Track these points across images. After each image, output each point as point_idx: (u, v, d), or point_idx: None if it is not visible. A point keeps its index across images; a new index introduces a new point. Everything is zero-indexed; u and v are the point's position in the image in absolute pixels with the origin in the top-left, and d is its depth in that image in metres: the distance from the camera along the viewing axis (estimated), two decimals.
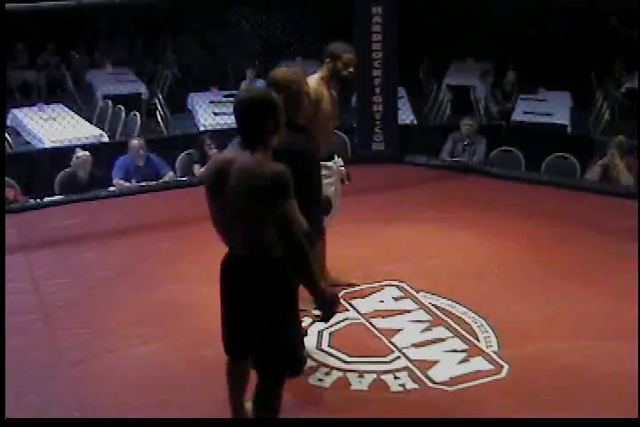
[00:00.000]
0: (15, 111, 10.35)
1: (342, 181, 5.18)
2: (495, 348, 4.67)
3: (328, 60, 4.87)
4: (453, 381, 4.36)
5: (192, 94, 11.35)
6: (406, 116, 9.84)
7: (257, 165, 3.20)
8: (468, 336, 4.80)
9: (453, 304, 5.19)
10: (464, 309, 5.13)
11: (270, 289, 3.34)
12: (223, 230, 3.38)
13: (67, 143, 8.86)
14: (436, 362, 4.54)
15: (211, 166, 3.42)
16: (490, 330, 4.86)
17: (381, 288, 5.45)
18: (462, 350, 4.66)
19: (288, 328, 3.44)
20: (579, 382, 4.34)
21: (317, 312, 4.84)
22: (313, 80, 4.75)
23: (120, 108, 10.45)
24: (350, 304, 5.23)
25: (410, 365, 4.51)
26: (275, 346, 3.44)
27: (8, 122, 10.25)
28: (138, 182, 7.92)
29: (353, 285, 5.46)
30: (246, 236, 3.31)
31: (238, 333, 3.51)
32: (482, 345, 4.70)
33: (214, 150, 7.78)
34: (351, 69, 4.88)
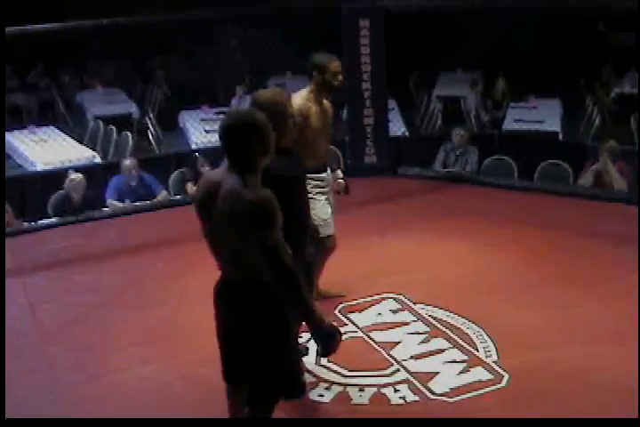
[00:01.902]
0: (6, 134, 10.32)
1: (339, 193, 5.18)
2: (494, 357, 4.66)
3: (316, 72, 4.80)
4: (454, 392, 4.35)
5: (183, 112, 11.35)
6: (397, 127, 9.84)
7: (242, 189, 3.09)
8: (467, 347, 4.79)
9: (451, 315, 5.19)
10: (462, 319, 5.12)
11: (257, 313, 3.24)
12: (213, 252, 3.32)
13: (59, 165, 8.86)
14: (435, 374, 4.53)
15: (200, 187, 3.34)
16: (488, 339, 4.85)
17: (379, 301, 5.44)
18: (462, 361, 4.65)
19: (278, 354, 3.32)
20: (579, 387, 4.33)
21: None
22: (300, 96, 4.74)
23: (111, 129, 10.46)
24: (348, 318, 5.22)
25: (410, 377, 4.50)
26: (263, 374, 3.34)
27: None
28: (132, 202, 7.91)
29: (343, 296, 5.46)
30: (232, 258, 3.24)
31: (229, 358, 3.43)
32: (481, 355, 4.70)
33: (207, 168, 7.77)
34: (340, 78, 4.85)
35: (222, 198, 3.14)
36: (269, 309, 3.22)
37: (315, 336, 3.20)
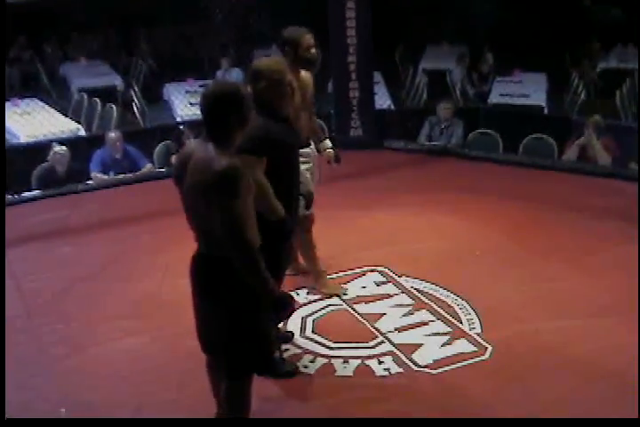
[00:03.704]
0: None
1: (329, 163, 5.15)
2: (478, 330, 4.69)
3: (288, 48, 4.68)
4: (437, 364, 4.37)
5: (167, 85, 11.29)
6: (383, 101, 9.82)
7: (210, 160, 3.10)
8: (451, 319, 4.82)
9: (435, 288, 5.21)
10: (446, 292, 5.15)
11: (224, 287, 3.25)
12: (188, 223, 3.34)
13: (43, 138, 8.79)
14: (419, 346, 4.56)
15: (176, 160, 3.40)
16: (472, 312, 4.88)
17: (363, 274, 5.46)
18: (445, 333, 4.68)
19: (242, 328, 3.33)
20: (562, 360, 4.36)
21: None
22: None
23: (96, 101, 10.39)
24: None
25: (394, 349, 4.53)
26: (228, 346, 3.38)
27: None
28: (116, 175, 7.88)
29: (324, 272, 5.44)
30: (202, 230, 3.26)
31: (201, 329, 3.48)
32: (465, 327, 4.72)
33: (193, 140, 7.73)
34: (313, 50, 4.72)
35: (192, 169, 3.18)
36: (236, 283, 3.22)
37: (268, 304, 3.24)
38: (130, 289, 5.41)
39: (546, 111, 10.04)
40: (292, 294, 5.02)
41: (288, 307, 3.30)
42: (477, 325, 4.74)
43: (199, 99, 3.28)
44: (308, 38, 4.72)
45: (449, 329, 4.72)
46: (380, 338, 4.65)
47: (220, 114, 3.19)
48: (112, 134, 8.04)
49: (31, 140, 8.90)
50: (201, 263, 3.35)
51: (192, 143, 3.42)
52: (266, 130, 3.83)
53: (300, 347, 4.58)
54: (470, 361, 4.39)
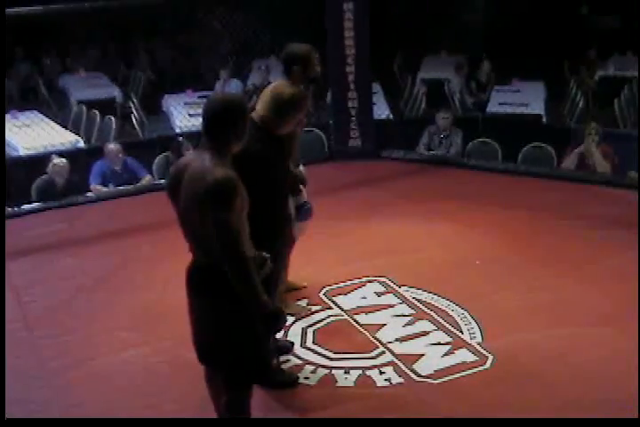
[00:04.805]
0: None
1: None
2: (479, 339, 4.68)
3: (297, 66, 4.48)
4: (439, 373, 4.36)
5: (166, 96, 11.32)
6: (382, 111, 9.85)
7: (206, 170, 3.11)
8: (452, 329, 4.81)
9: (436, 297, 5.20)
10: (446, 301, 5.14)
11: (221, 295, 3.23)
12: (183, 234, 3.34)
13: (42, 150, 8.80)
14: (420, 356, 4.55)
15: (171, 171, 3.39)
16: (473, 321, 4.87)
17: (363, 284, 5.45)
18: (446, 343, 4.67)
19: (242, 337, 3.32)
20: (563, 369, 4.35)
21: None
22: None
23: (95, 113, 10.41)
24: (333, 301, 5.23)
25: (395, 359, 4.52)
26: (228, 354, 3.37)
27: None
28: (115, 187, 7.89)
29: (305, 287, 5.40)
30: (197, 241, 3.26)
31: (198, 339, 3.46)
32: (465, 337, 4.71)
33: (190, 152, 7.74)
34: (318, 68, 4.64)
35: (188, 179, 3.19)
36: (232, 293, 3.19)
37: (259, 318, 3.22)
38: (130, 301, 5.41)
39: (544, 120, 10.06)
40: (294, 305, 5.10)
41: (279, 321, 3.29)
42: (478, 334, 4.74)
43: (204, 106, 3.30)
44: (316, 56, 4.62)
45: (450, 339, 4.71)
46: (381, 348, 4.64)
47: (223, 122, 3.22)
48: (111, 146, 8.05)
49: (30, 152, 8.91)
50: (196, 274, 3.34)
51: (189, 154, 3.43)
52: (260, 149, 3.86)
53: (300, 358, 4.57)
54: (471, 371, 4.37)
